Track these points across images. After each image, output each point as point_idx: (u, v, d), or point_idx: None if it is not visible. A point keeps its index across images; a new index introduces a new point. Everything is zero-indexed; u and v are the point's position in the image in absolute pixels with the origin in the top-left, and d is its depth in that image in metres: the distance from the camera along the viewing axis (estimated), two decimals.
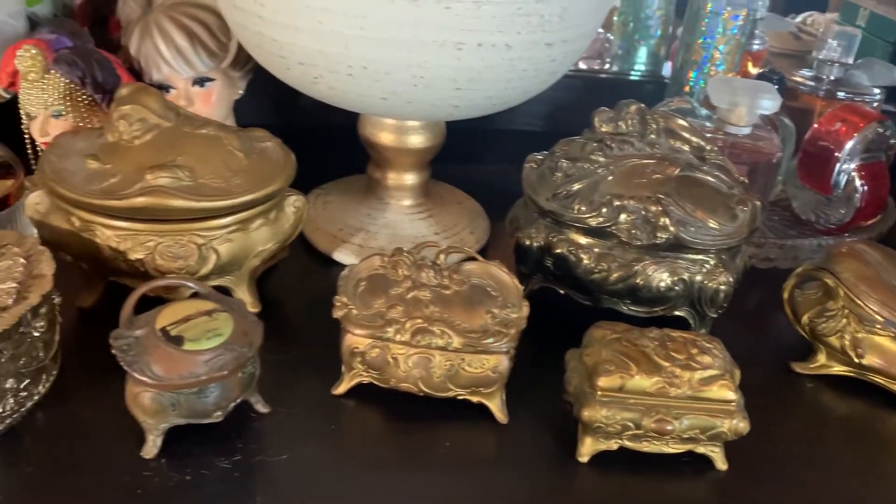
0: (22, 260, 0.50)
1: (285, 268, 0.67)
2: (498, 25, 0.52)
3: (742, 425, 0.49)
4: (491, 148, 0.90)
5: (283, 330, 0.60)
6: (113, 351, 0.46)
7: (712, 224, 0.57)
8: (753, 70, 0.96)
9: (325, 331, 0.57)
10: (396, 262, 0.54)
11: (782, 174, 0.82)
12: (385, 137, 0.68)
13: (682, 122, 0.62)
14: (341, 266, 0.67)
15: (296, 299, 0.64)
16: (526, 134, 0.93)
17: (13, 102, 0.71)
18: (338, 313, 0.52)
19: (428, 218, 0.72)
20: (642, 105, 0.63)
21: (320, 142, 0.81)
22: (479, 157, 0.90)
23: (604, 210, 0.57)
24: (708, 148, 0.62)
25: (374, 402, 0.53)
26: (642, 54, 0.93)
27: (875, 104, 0.82)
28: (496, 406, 0.53)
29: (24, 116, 0.67)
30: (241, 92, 0.75)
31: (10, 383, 0.47)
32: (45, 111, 0.65)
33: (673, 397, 0.48)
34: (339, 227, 0.70)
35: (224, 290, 0.58)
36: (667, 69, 0.95)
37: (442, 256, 0.55)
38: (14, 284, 0.48)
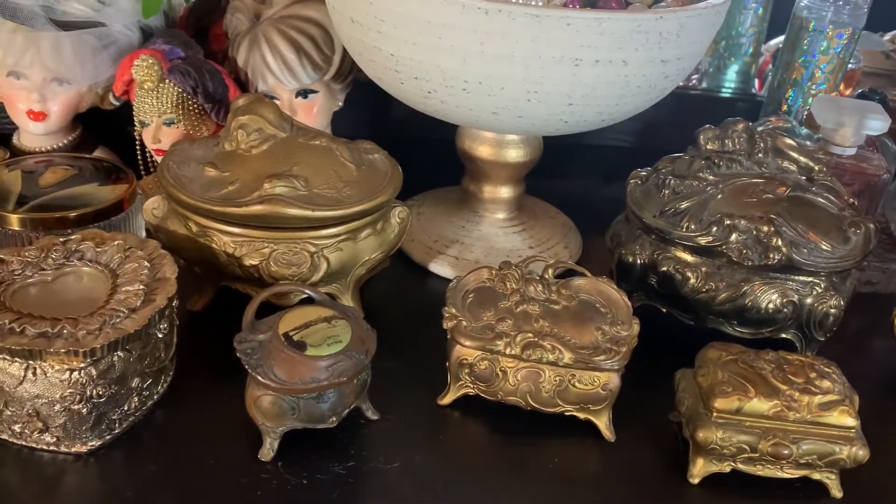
0: (146, 263, 0.52)
1: (383, 277, 0.67)
2: (617, 42, 0.52)
3: (862, 453, 0.48)
4: (578, 163, 0.90)
5: (385, 339, 0.61)
6: (237, 354, 0.48)
7: (825, 246, 0.56)
8: (846, 91, 0.95)
9: (426, 341, 0.57)
10: (504, 276, 0.55)
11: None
12: (483, 151, 0.68)
13: (789, 141, 0.62)
14: (437, 277, 0.68)
15: (394, 308, 0.65)
16: (615, 150, 0.93)
17: (118, 110, 0.74)
18: (448, 324, 0.52)
19: (522, 232, 0.72)
20: (750, 123, 0.62)
21: (411, 153, 0.82)
22: (568, 172, 0.90)
23: (713, 229, 0.56)
24: (816, 168, 0.61)
25: (479, 414, 0.54)
26: (732, 72, 0.92)
27: None
28: (604, 424, 0.53)
29: (137, 124, 0.69)
30: (340, 104, 0.76)
31: (135, 382, 0.49)
32: (157, 119, 0.68)
33: (791, 421, 0.48)
34: (434, 239, 0.70)
35: (331, 298, 0.59)
36: (755, 87, 0.94)
37: (550, 271, 0.55)
38: (141, 287, 0.50)
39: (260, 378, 0.47)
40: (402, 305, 0.65)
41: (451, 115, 0.60)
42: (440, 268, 0.68)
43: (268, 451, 0.48)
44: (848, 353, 0.65)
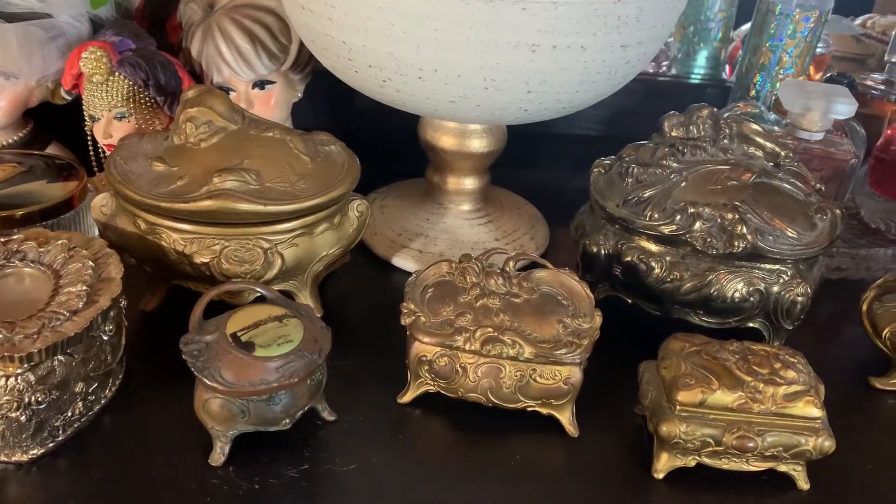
0: (91, 262, 0.50)
1: (344, 273, 0.66)
2: (574, 27, 0.50)
3: (828, 444, 0.47)
4: (547, 152, 0.89)
5: (345, 336, 0.59)
6: (183, 356, 0.46)
7: (791, 233, 0.55)
8: (816, 75, 0.94)
9: (387, 337, 0.56)
10: (464, 269, 0.53)
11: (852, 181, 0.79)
12: (446, 141, 0.67)
13: (755, 126, 0.60)
14: (400, 271, 0.67)
15: (356, 305, 0.63)
16: (583, 138, 0.91)
17: (73, 105, 0.72)
18: (405, 320, 0.51)
19: (488, 223, 0.71)
20: (714, 109, 0.61)
21: (374, 145, 0.80)
22: (535, 162, 0.89)
23: (677, 217, 0.55)
24: (783, 154, 0.60)
25: (440, 412, 0.52)
26: (702, 57, 0.91)
27: None
28: (567, 418, 0.51)
29: (87, 118, 0.67)
30: (300, 95, 0.74)
31: (79, 387, 0.47)
32: (108, 113, 0.65)
33: (756, 413, 0.47)
34: (397, 232, 0.69)
35: (287, 295, 0.58)
36: (726, 72, 0.93)
37: (511, 263, 0.54)
38: (84, 287, 0.48)
39: (207, 381, 0.45)
40: (363, 301, 0.64)
41: (408, 105, 0.58)
42: (404, 261, 0.67)
43: (218, 455, 0.47)
44: (817, 341, 0.64)
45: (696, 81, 0.91)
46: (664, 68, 0.97)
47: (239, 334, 0.46)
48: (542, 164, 0.89)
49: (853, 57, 1.07)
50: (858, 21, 1.19)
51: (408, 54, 0.52)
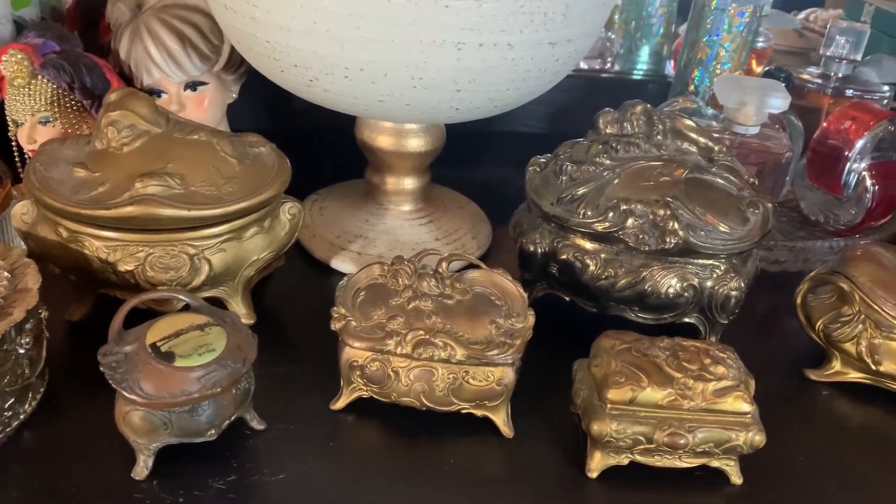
0: (6, 273, 0.48)
1: (281, 277, 0.65)
2: (499, 24, 0.50)
3: (758, 438, 0.47)
4: (492, 150, 0.88)
5: (280, 342, 0.58)
6: (101, 368, 0.44)
7: (722, 228, 0.55)
8: (758, 68, 0.95)
9: (324, 342, 0.55)
10: (397, 271, 0.52)
11: (790, 174, 0.80)
12: (383, 141, 0.66)
13: (688, 122, 0.60)
14: (340, 274, 0.66)
15: (293, 310, 0.62)
16: (528, 136, 0.91)
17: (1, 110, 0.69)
18: (336, 325, 0.50)
19: (429, 223, 0.70)
20: (648, 105, 0.61)
21: (317, 146, 0.79)
22: (480, 160, 0.89)
23: (610, 214, 0.55)
24: (716, 149, 0.60)
25: (374, 417, 0.51)
26: (644, 53, 0.92)
27: (885, 101, 0.80)
28: (501, 420, 0.51)
29: (10, 123, 0.65)
30: (234, 96, 0.73)
31: None
32: (32, 118, 0.63)
33: (686, 410, 0.46)
34: (336, 234, 0.68)
35: (218, 301, 0.56)
36: (669, 68, 0.94)
37: (444, 265, 0.53)
38: None
39: (126, 393, 0.43)
40: (300, 305, 0.62)
41: (337, 104, 0.57)
42: (342, 264, 0.66)
43: (142, 468, 0.45)
44: (755, 334, 0.65)
45: (639, 77, 0.91)
46: (609, 64, 0.97)
47: (159, 344, 0.45)
48: (487, 163, 0.88)
49: (795, 51, 1.09)
50: (802, 15, 1.20)
51: (332, 53, 0.51)
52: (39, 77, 0.63)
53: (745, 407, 0.47)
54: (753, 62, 0.94)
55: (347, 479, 0.48)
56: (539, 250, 0.59)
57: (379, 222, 0.69)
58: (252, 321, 0.58)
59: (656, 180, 0.56)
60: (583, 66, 0.96)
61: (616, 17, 0.93)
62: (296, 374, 0.55)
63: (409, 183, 0.69)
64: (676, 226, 0.54)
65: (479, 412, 0.51)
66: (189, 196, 0.52)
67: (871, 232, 0.76)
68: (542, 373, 0.54)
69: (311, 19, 0.50)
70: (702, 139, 0.60)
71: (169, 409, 0.44)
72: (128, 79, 0.69)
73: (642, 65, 0.92)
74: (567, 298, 0.60)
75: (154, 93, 0.69)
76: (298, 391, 0.53)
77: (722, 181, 0.58)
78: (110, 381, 0.44)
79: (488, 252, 0.72)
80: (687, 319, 0.58)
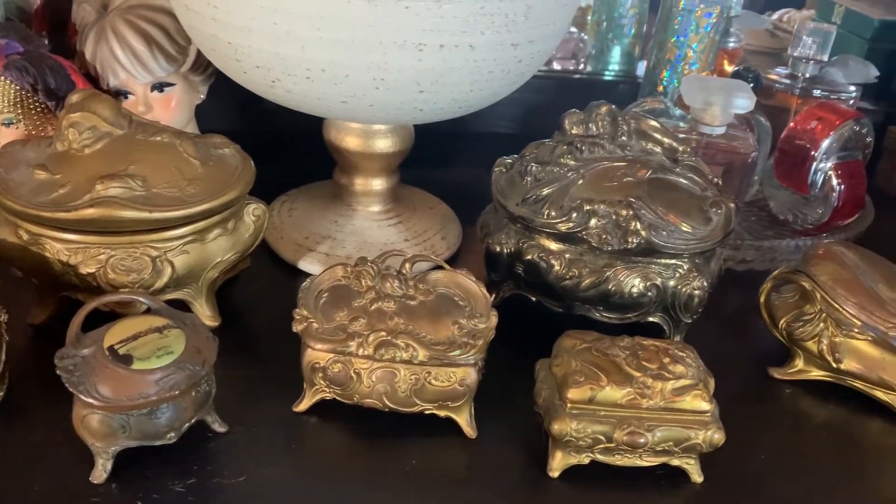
0: None
1: (248, 279, 0.64)
2: (460, 25, 0.50)
3: (717, 437, 0.47)
4: (465, 151, 0.88)
5: (245, 344, 0.58)
6: (58, 371, 0.44)
7: (685, 227, 0.55)
8: (729, 68, 0.95)
9: (289, 345, 0.54)
10: (360, 273, 0.52)
11: (759, 174, 0.81)
12: (351, 142, 0.66)
13: (653, 123, 0.61)
14: (307, 276, 0.66)
15: (258, 312, 0.62)
16: (501, 136, 0.91)
17: None
18: (297, 327, 0.50)
19: (398, 224, 0.70)
20: (613, 106, 0.61)
21: (288, 147, 0.79)
22: (453, 161, 0.89)
23: (574, 215, 0.55)
24: (680, 149, 0.60)
25: (337, 419, 0.51)
26: (616, 54, 0.92)
27: (851, 101, 0.81)
28: (464, 420, 0.51)
29: None
30: (202, 97, 0.73)
31: None
32: None
33: (645, 409, 0.47)
34: (304, 236, 0.68)
35: (182, 304, 0.56)
36: (641, 69, 0.94)
37: (408, 266, 0.53)
38: None
39: (83, 396, 0.43)
40: (266, 308, 0.62)
41: (301, 105, 0.57)
42: (310, 265, 0.66)
43: (100, 472, 0.45)
44: (721, 333, 0.65)
45: (610, 78, 0.92)
46: (582, 65, 0.98)
47: (116, 347, 0.45)
48: (459, 164, 0.88)
49: (768, 51, 1.10)
50: (776, 16, 1.21)
51: (293, 54, 0.51)
52: (2, 78, 0.62)
53: (705, 405, 0.47)
54: (726, 62, 0.95)
55: (309, 481, 0.47)
56: (505, 251, 0.59)
57: (347, 223, 0.69)
58: (217, 323, 0.58)
59: (620, 181, 0.57)
60: (555, 66, 0.97)
61: (588, 17, 0.93)
62: (260, 376, 0.55)
63: (378, 184, 0.69)
64: (639, 226, 0.54)
65: (442, 413, 0.51)
66: (151, 198, 0.52)
67: (839, 231, 0.77)
68: (508, 373, 0.54)
69: (271, 20, 0.49)
70: (666, 140, 0.60)
71: (127, 412, 0.44)
72: (94, 80, 0.69)
73: (614, 65, 0.92)
74: (533, 299, 0.60)
75: (121, 94, 0.69)
76: (262, 393, 0.53)
77: (685, 181, 0.58)
78: (67, 385, 0.44)
79: (458, 252, 0.72)
80: (651, 319, 0.58)
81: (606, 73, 0.92)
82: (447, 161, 0.87)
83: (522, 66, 0.56)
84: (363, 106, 0.54)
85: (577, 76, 0.92)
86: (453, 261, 0.71)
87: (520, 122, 0.91)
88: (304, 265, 0.66)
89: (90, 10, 0.68)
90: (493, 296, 0.61)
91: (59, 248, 0.52)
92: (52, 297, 0.56)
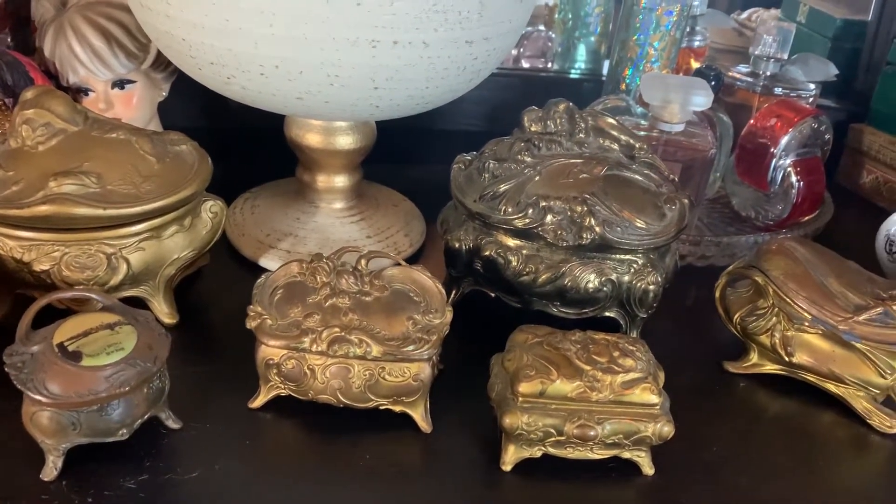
0: None
1: (209, 276, 0.64)
2: (413, 22, 0.50)
3: (666, 429, 0.48)
4: (431, 148, 0.88)
5: (202, 341, 0.58)
6: (6, 369, 0.44)
7: (639, 223, 0.56)
8: (696, 66, 0.96)
9: (245, 342, 0.54)
10: (315, 269, 0.53)
11: (721, 171, 0.82)
12: (312, 139, 0.66)
13: (610, 120, 0.61)
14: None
15: (217, 309, 0.62)
16: (467, 134, 0.92)
17: None
18: (251, 324, 0.50)
19: (360, 221, 0.70)
20: (571, 104, 0.61)
21: (251, 144, 0.79)
22: (420, 158, 0.89)
23: (530, 211, 0.55)
24: (637, 146, 0.61)
25: (292, 415, 0.52)
26: (582, 52, 0.93)
27: (810, 99, 0.82)
28: (419, 415, 0.51)
29: None
30: (164, 94, 0.72)
31: None
32: None
33: (595, 402, 0.47)
34: (266, 233, 0.68)
35: (139, 301, 0.56)
36: (607, 67, 0.95)
37: (363, 262, 0.53)
38: None
39: (31, 393, 0.43)
40: (225, 305, 0.62)
41: (257, 102, 0.57)
42: (271, 262, 0.66)
43: (51, 469, 0.45)
44: (677, 328, 0.66)
45: (576, 76, 0.92)
46: (551, 63, 0.98)
47: (66, 344, 0.44)
48: (425, 160, 0.88)
49: (734, 49, 1.11)
50: (744, 15, 1.23)
51: (246, 51, 0.51)
52: None
53: (654, 398, 0.48)
54: (692, 60, 0.96)
55: (263, 477, 0.48)
56: (464, 247, 0.59)
57: (310, 220, 0.69)
58: (174, 320, 0.58)
59: (576, 177, 0.57)
60: (524, 64, 0.97)
61: (555, 16, 0.94)
62: (216, 372, 0.55)
63: (340, 181, 0.69)
64: (593, 222, 0.55)
65: (397, 408, 0.51)
66: (105, 195, 0.52)
67: (799, 227, 0.78)
68: (464, 368, 0.55)
69: (224, 16, 0.49)
70: (623, 137, 0.61)
71: (76, 408, 0.44)
72: (54, 77, 0.68)
73: (580, 63, 0.93)
74: (492, 294, 0.61)
75: (81, 91, 0.69)
76: (218, 390, 0.53)
77: (641, 178, 0.59)
78: (15, 382, 0.43)
79: (421, 249, 0.72)
80: (608, 314, 0.59)
81: (573, 71, 0.93)
82: (414, 158, 0.88)
83: (479, 64, 0.56)
84: (319, 102, 0.54)
85: (543, 74, 0.93)
86: (417, 257, 0.72)
87: (487, 120, 0.91)
88: (266, 262, 0.66)
89: (49, 7, 0.68)
90: (454, 292, 0.62)
91: (12, 245, 0.52)
92: (6, 295, 0.56)
